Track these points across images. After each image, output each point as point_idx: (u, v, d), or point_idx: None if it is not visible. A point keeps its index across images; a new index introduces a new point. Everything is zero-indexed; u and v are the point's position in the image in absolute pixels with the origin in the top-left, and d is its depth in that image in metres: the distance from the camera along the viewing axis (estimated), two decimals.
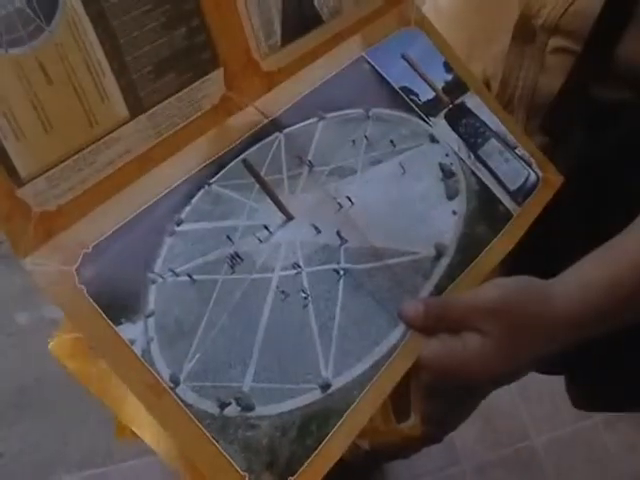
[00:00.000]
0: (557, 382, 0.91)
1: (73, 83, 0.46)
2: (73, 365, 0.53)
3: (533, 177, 0.70)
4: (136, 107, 0.51)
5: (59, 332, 0.55)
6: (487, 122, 0.71)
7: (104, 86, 0.48)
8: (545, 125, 0.76)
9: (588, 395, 0.87)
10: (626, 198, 0.63)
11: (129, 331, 0.47)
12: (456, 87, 0.71)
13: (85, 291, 0.47)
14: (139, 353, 0.47)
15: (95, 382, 0.52)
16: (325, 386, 0.52)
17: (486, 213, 0.65)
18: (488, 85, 0.79)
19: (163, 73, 0.52)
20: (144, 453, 1.56)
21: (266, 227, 0.56)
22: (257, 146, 0.58)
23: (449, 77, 0.71)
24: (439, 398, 1.05)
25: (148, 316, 0.49)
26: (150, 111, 0.52)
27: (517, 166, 0.69)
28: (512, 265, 0.66)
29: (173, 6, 0.51)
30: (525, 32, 0.74)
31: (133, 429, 0.51)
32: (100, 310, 0.47)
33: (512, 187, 0.68)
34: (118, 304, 0.48)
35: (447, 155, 0.66)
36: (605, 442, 1.72)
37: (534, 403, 1.74)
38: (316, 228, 0.58)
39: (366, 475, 1.54)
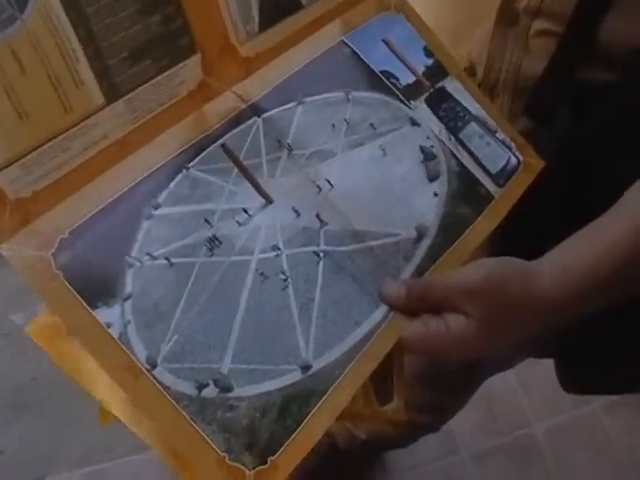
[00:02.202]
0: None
1: (47, 71, 0.46)
2: (53, 349, 0.53)
3: (514, 160, 0.70)
4: (112, 93, 0.51)
5: (39, 316, 0.55)
6: (467, 106, 0.71)
7: (78, 73, 0.48)
8: (529, 108, 0.76)
9: (577, 378, 0.87)
10: (609, 180, 0.63)
11: (105, 314, 0.48)
12: (436, 72, 0.71)
13: (61, 276, 0.47)
14: (116, 336, 0.47)
15: (74, 366, 0.53)
16: (305, 367, 0.52)
17: (467, 195, 0.65)
18: (473, 69, 0.79)
19: (139, 59, 0.52)
20: (143, 449, 1.56)
21: (245, 210, 0.56)
22: (235, 130, 0.58)
23: (429, 62, 0.71)
24: (433, 385, 1.06)
25: (125, 299, 0.49)
26: (127, 96, 0.52)
27: (498, 149, 0.69)
28: (495, 247, 0.67)
29: None
30: (508, 15, 0.74)
31: (113, 412, 0.52)
32: (76, 294, 0.47)
33: (493, 170, 0.68)
34: (95, 288, 0.48)
35: (428, 138, 0.67)
36: (605, 428, 1.72)
37: (533, 390, 1.74)
38: (296, 211, 0.58)
39: (364, 465, 1.54)
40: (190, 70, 0.56)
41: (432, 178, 0.65)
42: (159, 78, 0.54)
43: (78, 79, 0.48)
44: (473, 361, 0.96)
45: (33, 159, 0.47)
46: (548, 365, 0.92)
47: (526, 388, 1.74)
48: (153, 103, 0.54)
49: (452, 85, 0.71)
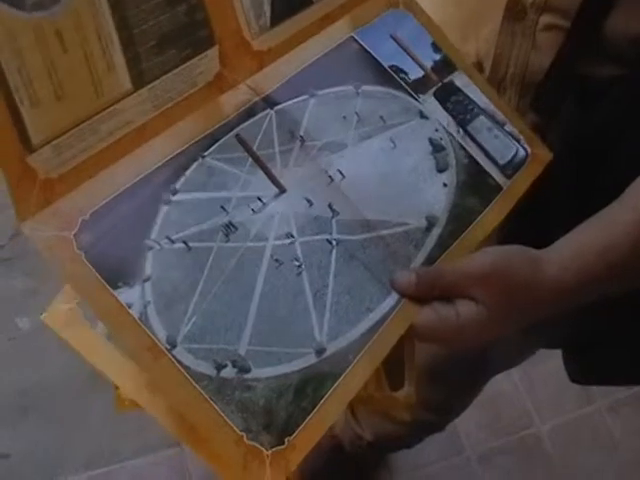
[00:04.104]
0: (560, 369, 0.91)
1: (85, 52, 0.48)
2: (67, 334, 0.54)
3: (522, 152, 0.71)
4: (139, 80, 0.52)
5: (53, 303, 0.56)
6: (475, 100, 0.72)
7: (112, 57, 0.50)
8: (536, 102, 0.77)
9: (585, 368, 0.88)
10: (615, 171, 0.64)
11: (126, 295, 0.49)
12: (445, 66, 0.73)
13: (83, 256, 0.48)
14: (137, 316, 0.48)
15: (89, 351, 0.54)
16: (320, 351, 0.53)
17: (476, 186, 0.66)
18: (481, 64, 0.81)
19: (165, 48, 0.53)
20: (149, 451, 1.57)
21: (259, 198, 0.57)
22: (249, 122, 0.60)
23: (437, 57, 0.73)
24: (439, 383, 1.06)
25: (145, 281, 0.50)
26: (151, 85, 0.53)
27: (506, 141, 0.71)
28: (504, 237, 0.68)
29: None
30: (516, 11, 0.75)
31: (130, 395, 0.53)
32: (98, 275, 0.48)
33: (501, 161, 0.69)
34: (115, 269, 0.49)
35: (437, 130, 0.68)
36: (609, 427, 1.73)
37: (538, 390, 1.75)
38: (308, 201, 0.59)
39: (370, 465, 1.55)
40: (209, 61, 0.57)
41: (441, 169, 0.66)
42: (181, 68, 0.55)
43: (111, 63, 0.50)
44: (481, 354, 0.97)
45: (64, 140, 0.48)
46: (553, 365, 0.93)
47: (531, 388, 1.75)
48: (173, 92, 0.55)
49: (460, 79, 0.72)
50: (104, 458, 1.57)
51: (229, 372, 0.49)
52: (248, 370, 0.50)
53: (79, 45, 0.47)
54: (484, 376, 1.16)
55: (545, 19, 0.73)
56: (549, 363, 0.94)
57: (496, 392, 1.67)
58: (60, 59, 0.47)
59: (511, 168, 0.69)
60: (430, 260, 0.61)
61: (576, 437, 1.70)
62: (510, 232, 0.69)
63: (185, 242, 0.52)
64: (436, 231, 0.62)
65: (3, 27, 0.43)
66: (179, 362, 0.48)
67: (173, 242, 0.52)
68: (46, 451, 1.57)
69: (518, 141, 0.71)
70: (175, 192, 0.54)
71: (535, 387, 1.75)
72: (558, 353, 0.90)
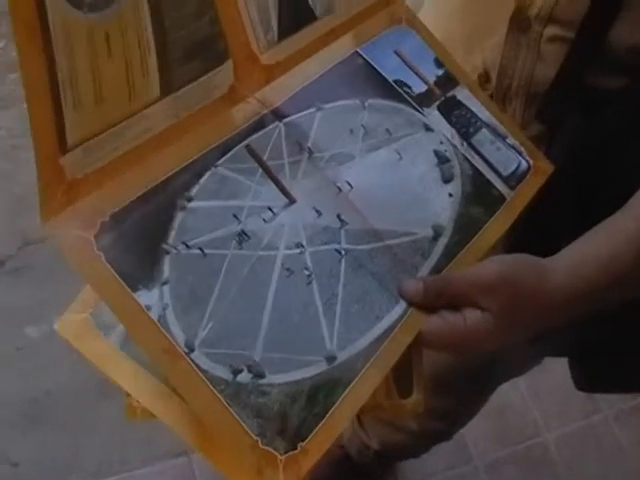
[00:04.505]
0: (566, 378, 0.92)
1: (127, 57, 0.49)
2: (80, 344, 0.56)
3: (524, 164, 0.72)
4: (166, 88, 0.54)
5: (66, 313, 0.58)
6: (478, 114, 0.73)
7: (148, 63, 0.51)
8: (541, 113, 0.79)
9: (591, 376, 0.89)
10: (619, 181, 0.65)
11: (145, 297, 0.50)
12: (447, 81, 0.74)
13: (103, 257, 0.49)
14: (155, 318, 0.50)
15: (102, 360, 0.55)
16: (330, 358, 0.54)
17: (481, 196, 0.68)
18: (488, 75, 0.82)
19: (191, 58, 0.55)
20: (157, 461, 1.58)
21: (270, 208, 0.59)
22: (259, 134, 0.61)
23: (440, 72, 0.74)
24: (446, 392, 1.07)
25: (163, 284, 0.51)
26: (176, 93, 0.55)
27: (508, 154, 0.72)
28: (510, 246, 0.69)
29: None
30: (521, 23, 0.76)
31: (142, 403, 0.54)
32: (117, 276, 0.49)
33: (504, 173, 0.71)
34: (135, 271, 0.51)
35: (441, 142, 0.69)
36: (616, 437, 1.73)
37: (544, 399, 1.76)
38: (317, 211, 0.60)
39: (378, 475, 1.55)
40: (225, 74, 0.59)
41: (446, 180, 0.67)
42: (203, 78, 0.57)
43: (146, 70, 0.51)
44: (487, 362, 0.98)
45: (95, 143, 0.50)
46: (559, 374, 0.94)
47: (537, 398, 1.76)
48: (193, 102, 0.57)
49: (462, 93, 0.74)
50: (113, 467, 1.58)
51: (245, 377, 0.51)
52: (263, 376, 0.51)
53: (122, 50, 0.49)
54: (490, 385, 1.17)
55: (550, 31, 0.75)
56: (555, 372, 0.95)
57: (503, 402, 1.68)
58: (105, 62, 0.48)
59: (514, 179, 0.71)
60: (437, 269, 0.62)
61: (582, 446, 1.71)
62: (516, 241, 0.71)
63: (200, 248, 0.54)
64: (442, 240, 0.64)
65: (61, 21, 0.45)
66: (197, 365, 0.50)
67: (189, 247, 0.54)
68: (55, 460, 1.59)
69: (520, 154, 0.73)
70: (190, 199, 0.56)
71: (541, 396, 1.76)
72: (564, 362, 0.91)
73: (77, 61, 0.46)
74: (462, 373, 1.04)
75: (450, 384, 1.06)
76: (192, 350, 0.50)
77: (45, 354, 1.73)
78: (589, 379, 0.89)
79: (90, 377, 1.63)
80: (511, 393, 1.73)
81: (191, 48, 0.55)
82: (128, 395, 0.55)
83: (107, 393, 1.59)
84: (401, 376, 0.60)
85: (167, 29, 0.52)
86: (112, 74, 0.49)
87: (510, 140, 0.73)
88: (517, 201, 0.70)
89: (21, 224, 2.00)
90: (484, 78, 0.80)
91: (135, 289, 0.50)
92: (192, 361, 0.50)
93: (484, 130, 0.73)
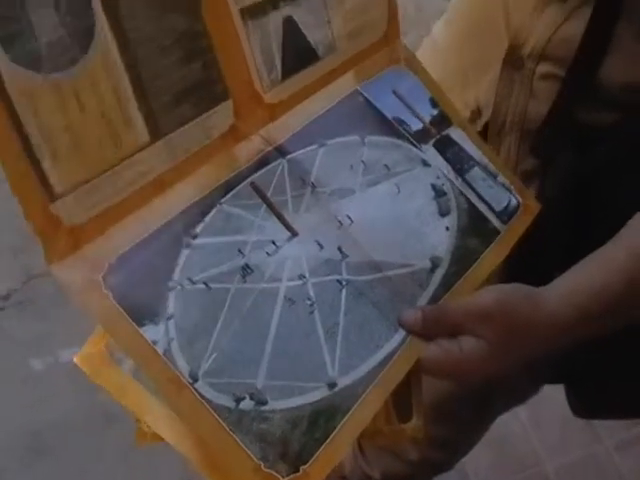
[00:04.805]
0: (567, 407, 0.94)
1: (102, 109, 0.52)
2: (96, 376, 0.58)
3: (514, 202, 0.75)
4: (156, 132, 0.56)
5: (84, 346, 0.60)
6: (470, 153, 0.76)
7: (129, 112, 0.54)
8: (535, 148, 0.81)
9: (586, 401, 0.91)
10: (613, 215, 0.67)
11: (152, 332, 0.52)
12: (441, 120, 0.77)
13: (111, 296, 0.52)
14: (161, 352, 0.52)
15: (118, 390, 0.57)
16: (332, 384, 0.56)
17: (476, 229, 0.70)
18: (480, 111, 0.85)
19: (180, 102, 0.57)
20: None
21: (273, 242, 0.61)
22: (263, 170, 0.64)
23: (435, 111, 0.77)
24: (446, 420, 1.09)
25: (169, 319, 0.53)
26: (168, 136, 0.57)
27: (499, 191, 0.75)
28: (506, 276, 0.71)
29: (190, 42, 0.57)
30: (514, 61, 0.79)
31: (153, 428, 0.56)
32: (125, 313, 0.51)
33: (497, 208, 0.73)
34: (141, 308, 0.53)
35: (438, 177, 0.72)
36: (617, 466, 1.73)
37: (545, 429, 1.76)
38: (319, 244, 0.62)
39: None
40: (223, 114, 0.61)
41: (443, 213, 0.70)
42: (197, 120, 0.59)
43: (128, 118, 0.54)
44: (487, 391, 1.00)
45: (86, 190, 0.52)
46: (559, 404, 0.95)
47: (538, 427, 1.76)
48: (190, 143, 0.59)
49: (456, 133, 0.76)
50: None
51: (247, 404, 0.53)
52: (265, 402, 0.53)
53: (96, 103, 0.51)
54: (491, 414, 1.18)
55: (542, 68, 0.77)
56: (556, 402, 0.96)
57: (503, 431, 1.69)
58: (78, 117, 0.50)
59: (506, 215, 0.73)
60: (435, 299, 0.64)
61: (583, 476, 1.71)
62: (511, 271, 0.73)
63: (205, 283, 0.56)
64: (440, 272, 0.66)
65: (21, 87, 0.47)
66: (201, 395, 0.51)
67: (194, 283, 0.56)
68: None
69: (510, 191, 0.75)
70: (195, 236, 0.58)
71: (542, 426, 1.76)
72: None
73: (46, 120, 0.49)
74: (463, 402, 1.05)
75: (451, 413, 1.08)
76: (196, 380, 0.52)
77: (49, 386, 1.75)
78: (585, 405, 0.91)
79: (93, 407, 1.66)
80: (511, 422, 1.74)
81: (180, 93, 0.57)
82: (138, 420, 0.57)
83: (110, 422, 1.61)
84: (401, 402, 0.62)
85: (147, 79, 0.55)
86: (88, 126, 0.51)
87: (500, 179, 0.75)
88: (509, 236, 0.72)
89: (25, 258, 2.03)
90: (475, 114, 0.83)
91: (142, 325, 0.52)
92: (196, 391, 0.52)
93: (476, 168, 0.75)
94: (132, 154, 0.54)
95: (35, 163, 0.48)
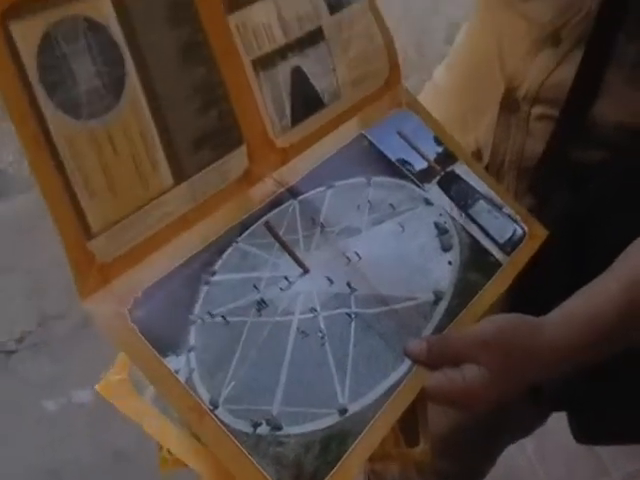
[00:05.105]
0: (573, 441, 0.96)
1: (132, 152, 0.57)
2: (119, 402, 0.61)
3: (519, 231, 0.78)
4: (179, 175, 0.60)
5: (106, 375, 0.64)
6: (475, 186, 0.80)
7: (155, 156, 0.58)
8: (533, 186, 0.85)
9: (589, 428, 0.94)
10: (607, 249, 0.71)
11: (174, 363, 0.56)
12: (446, 157, 0.81)
13: (136, 329, 0.56)
14: (183, 381, 0.55)
15: (138, 416, 0.61)
16: (342, 411, 0.59)
17: (478, 263, 0.74)
18: (480, 152, 0.89)
19: (200, 147, 0.62)
20: None
21: (286, 278, 0.65)
22: (275, 211, 0.68)
23: (439, 149, 0.81)
24: (454, 453, 1.11)
25: (189, 350, 0.57)
26: (189, 180, 0.61)
27: (505, 222, 0.78)
28: (508, 307, 0.75)
29: (208, 92, 0.62)
30: (510, 104, 0.84)
31: (174, 453, 0.59)
32: (149, 345, 0.55)
33: (501, 240, 0.77)
34: (164, 340, 0.57)
35: (441, 215, 0.76)
36: None
37: (551, 462, 1.77)
38: (329, 279, 0.66)
39: None
40: (238, 158, 0.66)
41: (446, 249, 0.73)
42: (215, 164, 0.64)
43: (155, 161, 0.58)
44: (493, 423, 1.02)
45: (118, 229, 0.56)
46: (565, 436, 0.98)
47: (544, 460, 1.77)
48: (209, 186, 0.63)
49: (461, 168, 0.81)
50: None
51: (264, 429, 0.56)
52: (280, 428, 0.57)
53: (127, 147, 0.56)
54: (497, 447, 1.20)
55: (537, 110, 0.82)
56: (562, 434, 0.98)
57: (510, 464, 1.70)
58: (112, 159, 0.55)
59: (510, 246, 0.77)
60: (439, 330, 0.68)
61: None
62: (512, 303, 0.76)
63: (223, 317, 0.60)
64: (443, 304, 0.70)
65: (63, 132, 0.52)
66: (221, 421, 0.55)
67: (213, 317, 0.60)
68: None
69: (516, 221, 0.79)
70: (214, 273, 0.62)
71: (548, 459, 1.77)
72: None
73: (84, 161, 0.54)
74: (469, 435, 1.07)
75: (457, 446, 1.10)
76: (216, 407, 0.56)
77: (63, 426, 1.78)
78: (586, 430, 0.94)
79: (107, 446, 1.69)
80: (518, 456, 1.75)
81: (199, 139, 0.62)
82: (161, 447, 0.61)
83: (124, 461, 1.63)
84: (408, 428, 0.66)
85: (171, 125, 0.60)
86: (121, 168, 0.56)
87: (506, 209, 0.79)
88: (512, 266, 0.76)
89: (39, 301, 2.07)
90: (476, 156, 0.87)
91: (165, 355, 0.56)
92: (216, 417, 0.55)
93: (481, 201, 0.79)
94: (158, 195, 0.59)
95: (75, 203, 0.53)
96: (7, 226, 2.28)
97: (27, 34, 0.51)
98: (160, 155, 0.59)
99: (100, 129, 0.54)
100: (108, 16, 0.55)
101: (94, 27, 0.54)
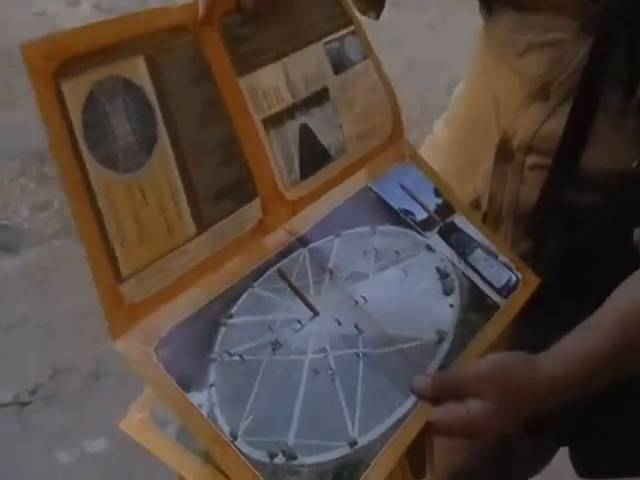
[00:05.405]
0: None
1: (160, 204, 0.62)
2: (141, 438, 0.66)
3: (514, 278, 0.84)
4: (201, 225, 0.66)
5: (129, 413, 0.68)
6: (473, 236, 0.85)
7: (180, 207, 0.64)
8: (529, 231, 0.90)
9: (590, 462, 0.97)
10: (601, 287, 0.76)
11: (197, 397, 0.60)
12: (445, 209, 0.87)
13: (162, 366, 0.60)
14: (205, 414, 0.60)
15: (160, 450, 0.65)
16: (353, 443, 0.64)
17: (477, 305, 0.79)
18: (479, 201, 0.94)
19: (220, 200, 0.68)
20: None
21: (298, 321, 0.69)
22: (287, 259, 0.73)
23: (439, 201, 0.87)
24: None
25: (210, 386, 0.62)
26: (210, 229, 0.67)
27: (500, 269, 0.84)
28: (512, 343, 0.79)
29: (226, 149, 0.68)
30: (505, 153, 0.90)
31: None
32: (174, 381, 0.60)
33: (497, 285, 0.82)
34: (187, 377, 0.61)
35: (442, 260, 0.81)
36: None
37: None
38: (338, 322, 0.71)
39: None
40: (253, 210, 0.71)
41: (447, 292, 0.78)
42: (233, 215, 0.69)
43: (180, 212, 0.64)
44: (500, 461, 1.05)
45: (146, 273, 0.61)
46: (568, 474, 1.01)
47: None
48: (227, 235, 0.69)
49: (459, 220, 0.86)
50: None
51: (280, 459, 0.60)
52: (295, 458, 0.61)
53: (156, 199, 0.62)
54: None
55: (531, 159, 0.88)
56: (565, 472, 1.02)
57: None
58: (143, 210, 0.61)
59: (506, 290, 0.82)
60: (442, 368, 0.72)
61: None
62: (515, 339, 0.81)
63: (241, 355, 0.65)
64: (446, 344, 0.74)
65: (102, 184, 0.58)
66: (240, 451, 0.59)
67: (231, 355, 0.64)
68: None
69: (510, 269, 0.84)
70: (231, 316, 0.67)
71: None
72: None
73: (119, 210, 0.59)
74: (476, 474, 1.10)
75: None
76: (236, 438, 0.60)
77: (77, 477, 1.80)
78: (587, 465, 0.97)
79: None
80: None
81: (220, 191, 0.68)
82: (181, 478, 0.65)
83: None
84: (415, 460, 0.69)
85: (195, 179, 0.65)
86: (150, 218, 0.62)
87: (501, 258, 0.85)
88: (509, 309, 0.81)
89: (51, 354, 2.11)
90: (474, 205, 0.93)
91: (188, 391, 0.61)
92: (236, 447, 0.60)
93: (479, 250, 0.84)
94: (182, 243, 0.64)
95: (109, 249, 0.58)
96: (21, 279, 2.34)
97: (75, 92, 0.57)
98: (185, 206, 0.64)
99: (133, 182, 0.60)
100: (142, 77, 0.62)
101: (130, 87, 0.61)
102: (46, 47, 0.56)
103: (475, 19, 0.99)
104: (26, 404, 2.00)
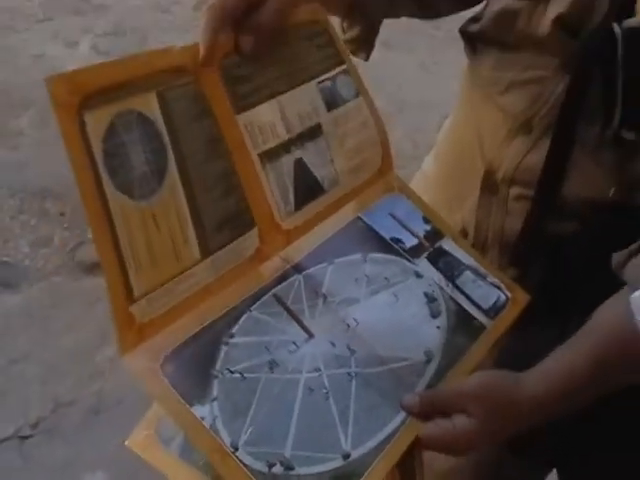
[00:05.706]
0: None
1: (170, 230, 0.67)
2: (146, 454, 0.70)
3: (503, 297, 0.88)
4: (205, 251, 0.71)
5: (135, 430, 0.72)
6: (461, 259, 0.90)
7: (187, 233, 0.69)
8: (514, 259, 0.95)
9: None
10: (581, 311, 0.80)
11: (200, 411, 0.65)
12: (434, 235, 0.91)
13: (167, 382, 0.65)
14: (208, 426, 0.64)
15: (164, 466, 0.70)
16: (346, 455, 0.68)
17: (464, 327, 0.83)
18: (466, 231, 0.99)
19: (222, 229, 0.72)
20: None
21: (294, 342, 0.74)
22: (283, 284, 0.77)
23: (428, 227, 0.91)
24: None
25: (213, 400, 0.66)
26: (213, 255, 0.71)
27: (488, 289, 0.88)
28: (499, 362, 0.84)
29: (226, 181, 0.73)
30: (490, 185, 0.94)
31: None
32: (178, 395, 0.64)
33: (485, 306, 0.86)
34: (191, 391, 0.66)
35: (430, 285, 0.85)
36: None
37: None
38: (332, 343, 0.75)
39: None
40: (251, 239, 0.76)
41: (435, 315, 0.83)
42: (233, 244, 0.74)
43: (186, 238, 0.69)
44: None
45: (154, 295, 0.66)
46: None
47: None
48: (228, 261, 0.73)
49: (448, 244, 0.91)
50: None
51: (278, 469, 0.65)
52: (292, 468, 0.65)
53: (166, 225, 0.67)
54: None
55: (514, 191, 0.92)
56: None
57: None
58: (155, 235, 0.66)
59: (494, 311, 0.86)
60: (430, 386, 0.76)
61: None
62: (500, 360, 0.86)
63: (241, 373, 0.69)
64: (433, 364, 0.78)
65: (120, 210, 0.63)
66: (241, 461, 0.64)
67: (232, 373, 0.69)
68: None
69: (499, 288, 0.89)
70: (232, 336, 0.71)
71: None
72: None
73: (133, 235, 0.64)
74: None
75: None
76: (236, 449, 0.64)
77: None
78: None
79: None
80: None
81: (222, 221, 0.73)
82: None
83: None
84: (406, 472, 0.73)
85: (200, 208, 0.70)
86: (161, 243, 0.67)
87: (490, 278, 0.89)
88: (496, 329, 0.85)
89: (52, 387, 2.14)
90: (462, 234, 0.97)
91: (192, 405, 0.65)
92: (237, 458, 0.64)
93: (467, 272, 0.89)
94: (188, 268, 0.69)
95: (124, 272, 0.63)
96: (22, 316, 2.38)
97: (97, 123, 0.62)
98: (191, 233, 0.69)
99: (147, 209, 0.65)
100: (154, 112, 0.67)
101: (144, 121, 0.66)
102: (70, 82, 0.61)
103: (464, 58, 1.04)
104: (27, 438, 2.03)
